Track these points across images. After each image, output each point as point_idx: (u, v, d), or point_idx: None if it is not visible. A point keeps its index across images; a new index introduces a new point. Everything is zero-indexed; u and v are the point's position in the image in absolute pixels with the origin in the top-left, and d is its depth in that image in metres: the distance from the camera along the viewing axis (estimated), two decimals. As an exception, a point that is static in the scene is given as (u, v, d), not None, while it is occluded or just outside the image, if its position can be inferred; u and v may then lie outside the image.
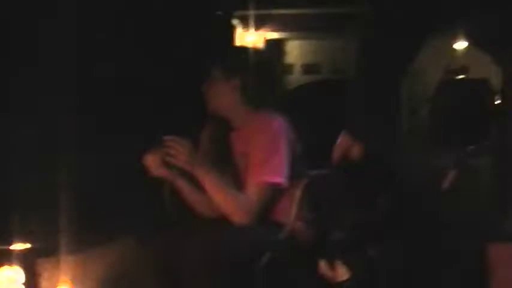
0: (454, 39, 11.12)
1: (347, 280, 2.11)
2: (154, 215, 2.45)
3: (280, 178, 2.07)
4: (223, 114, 2.23)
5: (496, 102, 11.05)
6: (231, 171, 2.23)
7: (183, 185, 2.19)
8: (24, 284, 2.49)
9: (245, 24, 11.73)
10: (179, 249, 2.09)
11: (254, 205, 2.07)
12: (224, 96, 2.19)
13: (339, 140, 2.01)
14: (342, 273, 2.10)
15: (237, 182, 2.17)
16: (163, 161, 2.08)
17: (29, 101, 3.98)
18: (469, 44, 11.01)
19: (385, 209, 2.29)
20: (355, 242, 2.19)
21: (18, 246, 2.60)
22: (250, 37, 11.67)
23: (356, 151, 2.01)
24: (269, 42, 11.74)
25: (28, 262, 2.58)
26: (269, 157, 2.07)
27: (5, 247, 2.59)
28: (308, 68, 12.14)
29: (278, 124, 2.12)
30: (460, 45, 11.32)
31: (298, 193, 2.05)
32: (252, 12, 11.11)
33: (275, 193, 2.10)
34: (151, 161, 2.10)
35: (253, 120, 2.18)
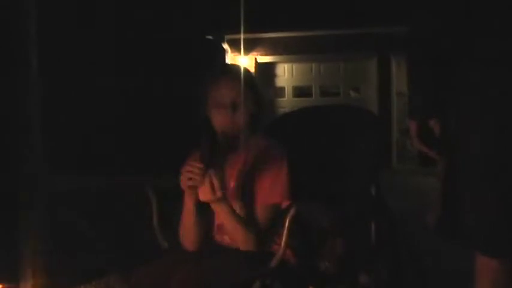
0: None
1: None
2: (141, 247, 2.41)
3: (287, 200, 2.13)
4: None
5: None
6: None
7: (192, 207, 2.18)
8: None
9: (236, 47, 11.79)
10: (167, 281, 2.06)
11: (263, 229, 2.11)
12: None
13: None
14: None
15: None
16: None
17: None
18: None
19: (376, 237, 2.28)
20: (345, 270, 2.17)
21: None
22: (241, 60, 11.73)
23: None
24: (260, 65, 11.80)
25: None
26: (276, 180, 2.12)
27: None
28: (299, 91, 12.18)
29: (281, 148, 2.19)
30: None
31: (287, 221, 2.04)
32: (242, 36, 11.19)
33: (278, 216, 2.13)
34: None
35: (253, 144, 2.23)
